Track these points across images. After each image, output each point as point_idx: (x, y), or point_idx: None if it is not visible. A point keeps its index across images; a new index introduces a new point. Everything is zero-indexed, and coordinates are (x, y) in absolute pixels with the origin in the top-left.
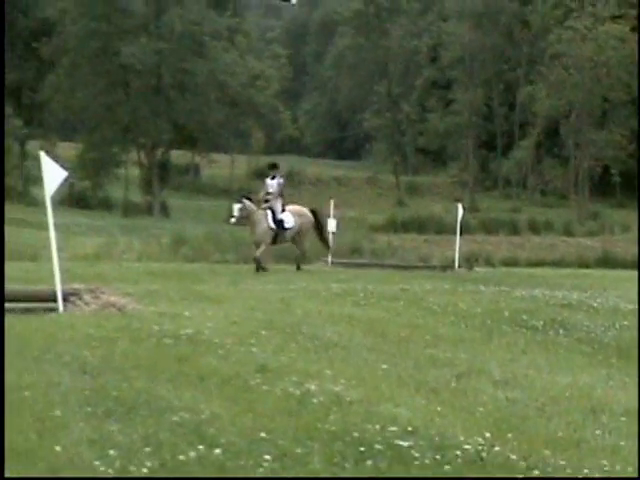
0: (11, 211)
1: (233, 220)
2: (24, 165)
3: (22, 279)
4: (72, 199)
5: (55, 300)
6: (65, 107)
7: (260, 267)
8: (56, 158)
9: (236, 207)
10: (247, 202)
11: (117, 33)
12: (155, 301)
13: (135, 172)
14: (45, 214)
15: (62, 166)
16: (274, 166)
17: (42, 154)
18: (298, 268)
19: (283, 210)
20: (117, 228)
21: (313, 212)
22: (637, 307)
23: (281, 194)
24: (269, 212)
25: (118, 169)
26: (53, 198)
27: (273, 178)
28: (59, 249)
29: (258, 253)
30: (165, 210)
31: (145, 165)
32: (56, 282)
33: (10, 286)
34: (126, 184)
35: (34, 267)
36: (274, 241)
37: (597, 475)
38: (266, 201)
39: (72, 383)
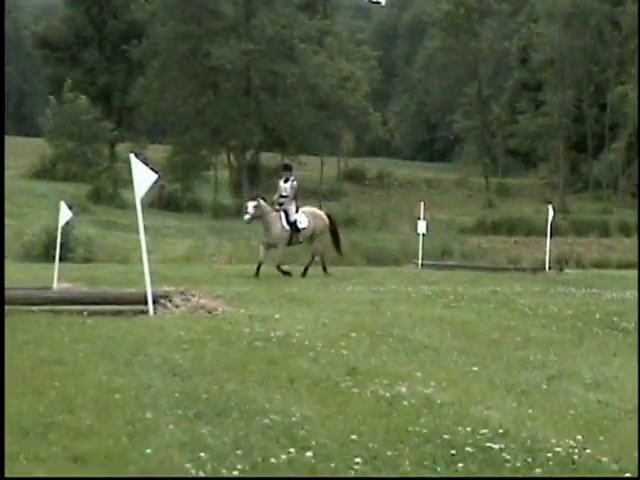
0: (101, 213)
1: (247, 217)
2: (114, 167)
3: (112, 281)
4: (162, 201)
5: (145, 302)
6: (155, 109)
7: (284, 272)
8: (146, 161)
9: (250, 204)
10: (262, 202)
11: (207, 35)
12: (245, 303)
13: (225, 174)
14: (135, 216)
15: (152, 169)
16: (287, 167)
17: (132, 157)
18: (325, 270)
19: (296, 211)
20: (207, 230)
21: (328, 216)
22: (637, 306)
23: (295, 196)
24: (282, 214)
25: (208, 171)
26: (143, 200)
27: (286, 181)
28: (149, 251)
29: (279, 259)
30: None
31: (235, 167)
32: (146, 284)
33: (101, 289)
34: (216, 186)
35: (124, 269)
36: (289, 242)
37: None
38: (280, 204)
39: (163, 385)
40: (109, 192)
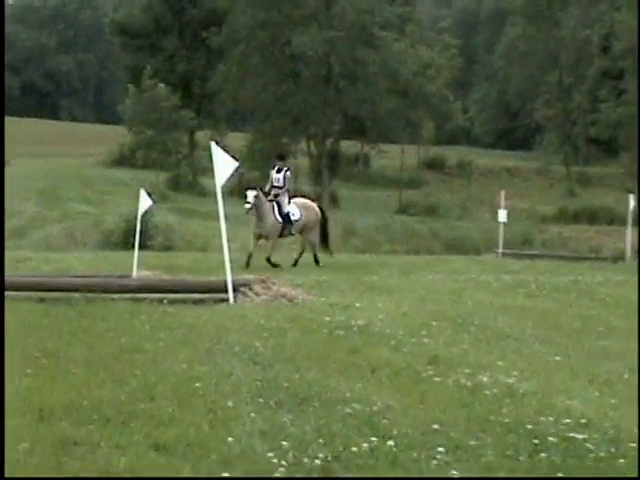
0: (181, 201)
1: (248, 206)
2: (193, 155)
3: (192, 269)
4: (241, 189)
5: (226, 291)
6: (235, 97)
7: (273, 264)
8: (226, 148)
9: (251, 194)
10: (260, 193)
11: (287, 23)
12: (326, 292)
13: (305, 162)
14: (215, 204)
15: (232, 156)
16: (281, 157)
17: (213, 144)
18: (317, 262)
19: (288, 203)
20: None
21: (320, 209)
22: (637, 305)
23: (288, 188)
24: (275, 205)
25: (288, 159)
26: (223, 188)
27: (279, 171)
28: (229, 240)
29: (270, 253)
30: (335, 200)
31: (315, 155)
32: (227, 273)
33: (181, 277)
34: (296, 174)
35: (204, 257)
36: (281, 234)
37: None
38: (276, 195)
39: (243, 374)
40: (189, 180)
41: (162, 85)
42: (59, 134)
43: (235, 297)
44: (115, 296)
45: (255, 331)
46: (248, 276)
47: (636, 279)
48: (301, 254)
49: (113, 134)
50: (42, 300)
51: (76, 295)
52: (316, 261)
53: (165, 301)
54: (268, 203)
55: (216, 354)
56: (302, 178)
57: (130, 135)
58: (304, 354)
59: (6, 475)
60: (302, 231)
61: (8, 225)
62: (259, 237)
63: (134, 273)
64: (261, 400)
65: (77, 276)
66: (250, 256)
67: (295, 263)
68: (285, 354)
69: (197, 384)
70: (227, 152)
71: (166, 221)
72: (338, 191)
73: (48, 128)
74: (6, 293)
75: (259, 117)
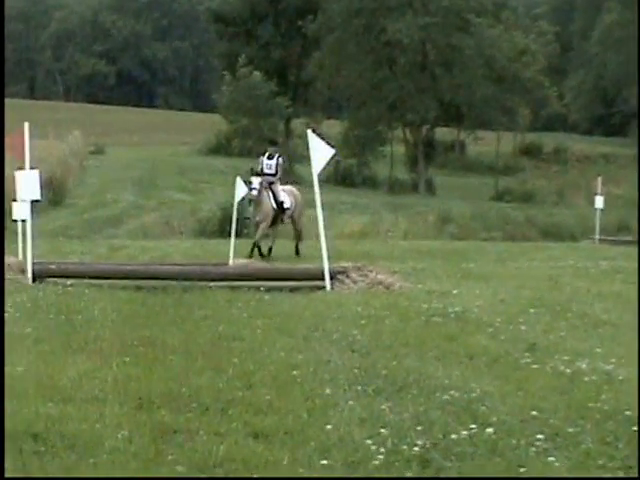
0: None
1: (255, 192)
2: (289, 143)
3: (289, 257)
4: (337, 177)
5: (323, 278)
6: (330, 85)
7: (260, 252)
8: (322, 136)
9: (256, 180)
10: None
11: (382, 10)
12: (422, 279)
13: (401, 149)
14: (311, 192)
15: (328, 144)
16: (273, 143)
17: (309, 132)
18: (297, 253)
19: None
20: (382, 206)
21: None
22: (637, 304)
23: (280, 175)
24: (270, 193)
25: (383, 147)
26: (319, 176)
27: (270, 157)
28: (326, 227)
29: (258, 236)
30: (431, 187)
31: (411, 142)
32: (324, 260)
33: (278, 265)
34: (392, 162)
35: (301, 245)
36: (274, 222)
37: None
38: (270, 183)
39: (341, 361)
40: (284, 168)
41: (257, 73)
42: (155, 122)
43: (332, 284)
44: (212, 284)
45: (352, 318)
46: (345, 263)
47: None
48: (299, 240)
49: (209, 122)
50: (139, 288)
51: (173, 283)
52: (297, 252)
53: (262, 289)
54: (265, 191)
55: (314, 342)
56: (398, 165)
57: (226, 123)
58: (402, 341)
59: (6, 475)
60: (291, 219)
61: (105, 213)
62: (257, 224)
63: (231, 261)
64: (359, 388)
65: (174, 264)
66: (256, 246)
67: (297, 252)
68: (383, 341)
69: (295, 372)
70: (323, 140)
71: None
72: (434, 178)
73: (144, 117)
74: (103, 282)
75: (355, 104)
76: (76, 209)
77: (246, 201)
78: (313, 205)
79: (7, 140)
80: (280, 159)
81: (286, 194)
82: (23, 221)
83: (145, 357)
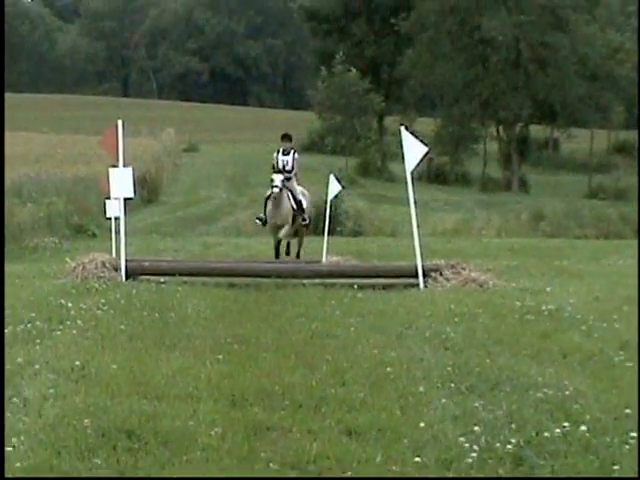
0: (370, 187)
1: (277, 190)
2: (382, 140)
3: (382, 255)
4: (430, 175)
5: (416, 276)
6: (423, 82)
7: (279, 252)
8: (415, 134)
9: (278, 177)
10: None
11: (476, 8)
12: (515, 277)
13: (494, 147)
14: (403, 190)
15: (422, 141)
16: (287, 137)
17: (402, 129)
18: (298, 255)
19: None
20: (475, 204)
21: None
22: (637, 303)
23: (297, 171)
24: (289, 192)
25: (477, 144)
26: (412, 174)
27: (286, 153)
28: (418, 225)
29: (283, 236)
30: (524, 185)
31: (504, 140)
32: (417, 258)
33: (371, 262)
34: (485, 159)
35: (393, 243)
36: (293, 223)
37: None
38: (287, 179)
39: (434, 359)
40: (377, 165)
41: (352, 70)
42: (248, 120)
43: (425, 282)
44: (305, 281)
45: (445, 316)
46: (438, 261)
47: None
48: (301, 243)
49: (302, 120)
50: (232, 286)
51: (266, 281)
52: (298, 254)
53: (355, 286)
54: (284, 191)
55: (407, 339)
56: (491, 163)
57: (319, 121)
58: (495, 339)
59: (6, 475)
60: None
61: (198, 211)
62: (277, 228)
63: (324, 258)
64: (452, 385)
65: (267, 262)
66: (277, 247)
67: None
68: (476, 339)
69: (388, 369)
70: (416, 137)
71: (355, 207)
72: (527, 176)
73: (237, 114)
74: (196, 279)
75: (448, 102)
76: (169, 207)
77: (339, 199)
78: (405, 203)
79: (101, 138)
80: (295, 154)
81: (301, 194)
82: (117, 219)
83: (238, 355)
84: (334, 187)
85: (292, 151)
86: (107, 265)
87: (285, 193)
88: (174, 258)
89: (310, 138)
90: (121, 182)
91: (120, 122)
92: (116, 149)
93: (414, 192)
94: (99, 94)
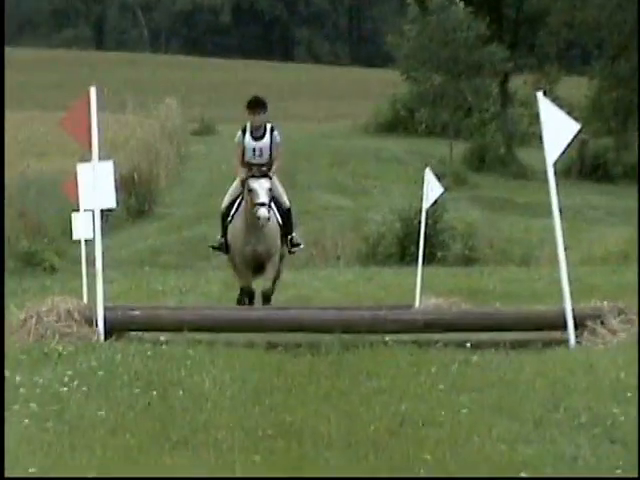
0: (488, 187)
1: (264, 213)
2: (507, 114)
3: (507, 294)
4: (583, 167)
5: (564, 327)
6: (571, 22)
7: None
8: (558, 102)
9: (262, 187)
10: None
11: None
12: None
13: None
14: (542, 191)
15: (568, 114)
16: (258, 106)
17: (539, 96)
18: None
19: None
20: None
21: None
22: (637, 303)
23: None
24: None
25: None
26: (555, 166)
27: (259, 134)
28: (566, 247)
29: (269, 277)
30: None
31: None
32: (564, 299)
33: (490, 306)
34: None
35: (525, 275)
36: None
37: None
38: (263, 175)
39: (595, 457)
40: (499, 153)
41: (459, 3)
42: (294, 84)
43: (578, 337)
44: (388, 338)
45: (611, 390)
46: (599, 303)
47: None
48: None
49: (378, 82)
50: (273, 346)
51: (327, 337)
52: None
53: (468, 345)
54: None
55: (551, 427)
56: None
57: (406, 84)
58: None
59: (6, 475)
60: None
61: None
62: (254, 260)
63: (417, 302)
64: None
65: (327, 308)
66: (250, 293)
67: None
68: None
69: (523, 473)
70: (561, 108)
71: (465, 218)
72: None
73: (276, 74)
74: (217, 336)
75: (610, 52)
76: (171, 223)
77: (439, 207)
78: (543, 212)
79: (65, 116)
80: (275, 133)
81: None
82: (89, 242)
83: (285, 453)
84: (432, 189)
85: (269, 129)
86: (75, 316)
87: (269, 182)
88: (180, 304)
89: (393, 111)
90: (96, 184)
91: (93, 90)
92: (87, 132)
93: (559, 195)
94: (58, 46)
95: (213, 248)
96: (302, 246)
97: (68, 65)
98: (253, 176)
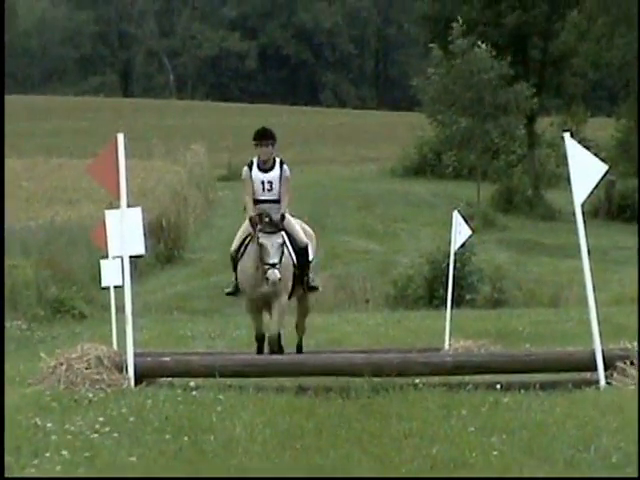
0: (516, 228)
1: (275, 275)
2: (534, 155)
3: (537, 336)
4: (611, 208)
5: (594, 368)
6: (597, 62)
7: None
8: (586, 143)
9: (272, 244)
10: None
11: None
12: None
13: None
14: (570, 232)
15: (596, 155)
16: (265, 138)
17: (566, 137)
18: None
19: None
20: None
21: None
22: (637, 303)
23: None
24: (284, 234)
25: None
26: (583, 207)
27: (267, 167)
28: (595, 287)
29: (277, 317)
30: None
31: None
32: (593, 340)
33: (521, 348)
34: None
35: (555, 317)
36: (293, 286)
37: None
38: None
39: None
40: (527, 195)
41: (483, 46)
42: (320, 128)
43: (608, 377)
44: (418, 381)
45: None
46: (628, 344)
47: None
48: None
49: (403, 126)
50: (304, 390)
51: (357, 380)
52: (299, 344)
53: (498, 387)
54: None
55: (582, 467)
56: None
57: (432, 127)
58: None
59: (6, 475)
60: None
61: None
62: (263, 302)
63: (446, 344)
64: None
65: (356, 351)
66: (261, 338)
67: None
68: None
69: None
70: (588, 149)
71: (494, 260)
72: None
73: (303, 118)
74: (247, 381)
75: (636, 92)
76: (200, 268)
77: (467, 249)
78: (572, 253)
79: (92, 163)
80: (285, 167)
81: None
82: (118, 288)
83: None
84: (461, 231)
85: (278, 163)
86: (105, 363)
87: (281, 238)
88: (210, 349)
89: (420, 155)
90: (124, 231)
91: (121, 136)
92: (115, 179)
93: (587, 236)
94: (86, 93)
95: (227, 294)
96: (316, 285)
97: (95, 112)
98: (264, 231)
